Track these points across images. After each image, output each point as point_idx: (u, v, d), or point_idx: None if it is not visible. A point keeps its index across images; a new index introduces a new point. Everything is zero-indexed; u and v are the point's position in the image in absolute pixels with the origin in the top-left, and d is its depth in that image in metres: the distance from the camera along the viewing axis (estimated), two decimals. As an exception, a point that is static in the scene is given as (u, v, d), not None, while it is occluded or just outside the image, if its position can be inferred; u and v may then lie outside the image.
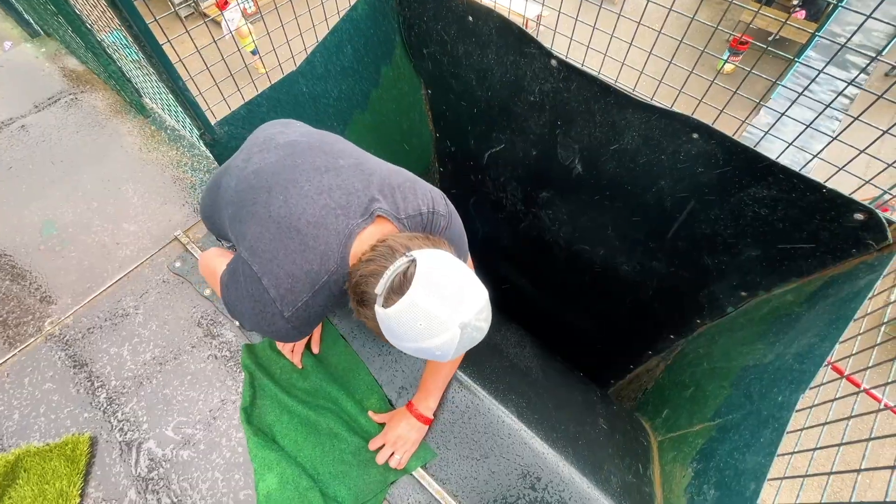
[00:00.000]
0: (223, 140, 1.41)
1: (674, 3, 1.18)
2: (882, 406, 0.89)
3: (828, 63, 1.21)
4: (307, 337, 1.29)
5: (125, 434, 1.25)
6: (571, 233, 2.11)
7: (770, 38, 6.54)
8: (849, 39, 1.11)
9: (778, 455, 0.84)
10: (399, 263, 0.70)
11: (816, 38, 1.29)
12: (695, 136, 1.17)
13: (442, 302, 0.65)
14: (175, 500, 1.15)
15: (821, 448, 0.87)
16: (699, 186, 1.29)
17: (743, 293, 1.59)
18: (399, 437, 1.13)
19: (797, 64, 1.27)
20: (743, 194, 1.20)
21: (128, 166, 1.76)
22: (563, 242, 2.24)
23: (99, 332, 1.40)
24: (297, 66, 1.49)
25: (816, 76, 1.15)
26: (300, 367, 1.28)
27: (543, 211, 2.13)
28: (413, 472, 1.13)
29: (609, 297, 2.32)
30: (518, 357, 1.61)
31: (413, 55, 1.87)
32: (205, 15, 5.90)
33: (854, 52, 1.24)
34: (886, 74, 5.10)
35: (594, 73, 1.25)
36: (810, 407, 0.95)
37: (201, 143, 1.80)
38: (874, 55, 1.04)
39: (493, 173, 2.16)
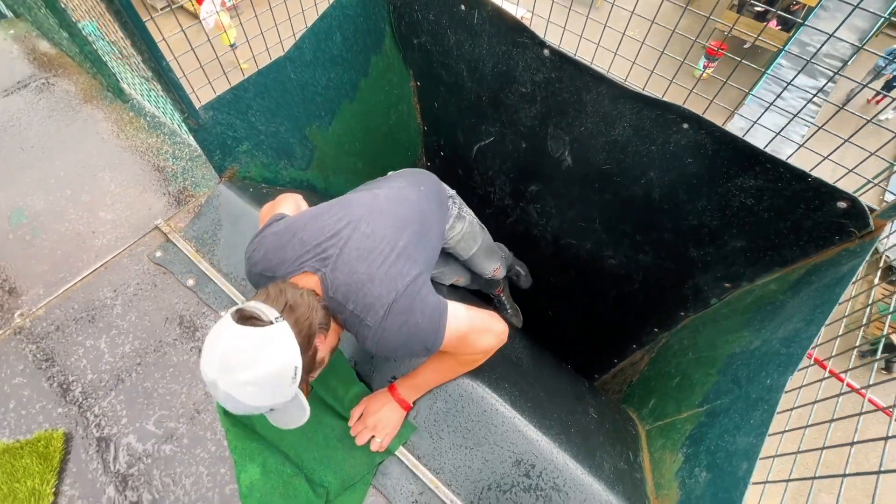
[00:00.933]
0: (208, 125, 1.37)
1: (657, 15, 1.20)
2: (866, 400, 0.91)
3: (798, 73, 1.24)
4: None
5: (102, 429, 1.19)
6: (559, 227, 2.13)
7: (745, 46, 6.74)
8: (814, 55, 1.13)
9: (769, 434, 0.85)
10: (250, 305, 0.79)
11: (785, 49, 1.33)
12: (685, 126, 1.19)
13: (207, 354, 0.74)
14: (157, 496, 1.11)
15: (813, 425, 0.89)
16: (687, 177, 1.31)
17: (727, 284, 1.63)
18: (379, 421, 1.11)
19: (767, 74, 1.31)
20: (730, 184, 1.23)
21: (104, 153, 1.69)
22: (551, 237, 2.26)
23: (74, 324, 1.33)
24: (286, 51, 1.46)
25: (786, 87, 1.16)
26: None
27: (531, 205, 2.14)
28: (406, 463, 1.11)
29: (595, 290, 2.34)
30: (508, 348, 1.61)
31: (403, 45, 1.85)
32: (182, 8, 5.76)
33: (822, 63, 1.29)
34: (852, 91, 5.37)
35: (587, 63, 1.26)
36: (798, 388, 0.97)
37: (183, 130, 1.74)
38: (840, 65, 1.08)
39: (482, 167, 2.16)
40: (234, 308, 0.77)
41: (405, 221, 1.05)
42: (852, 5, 0.94)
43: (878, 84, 6.73)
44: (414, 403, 1.16)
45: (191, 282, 1.40)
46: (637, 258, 1.90)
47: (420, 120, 2.29)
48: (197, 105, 1.33)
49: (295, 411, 0.82)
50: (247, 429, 1.16)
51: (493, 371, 1.26)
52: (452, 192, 1.46)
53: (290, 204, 1.21)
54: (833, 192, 1.04)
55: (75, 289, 1.39)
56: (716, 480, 0.92)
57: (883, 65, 5.65)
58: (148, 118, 1.80)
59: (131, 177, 1.63)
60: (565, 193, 1.83)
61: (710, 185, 1.28)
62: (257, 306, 0.77)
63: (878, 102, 6.81)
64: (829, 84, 1.16)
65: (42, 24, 1.96)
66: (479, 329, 0.99)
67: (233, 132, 1.46)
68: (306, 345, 0.79)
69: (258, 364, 0.72)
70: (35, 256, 1.45)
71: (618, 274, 2.09)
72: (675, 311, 2.00)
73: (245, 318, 0.75)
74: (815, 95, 1.12)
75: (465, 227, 1.46)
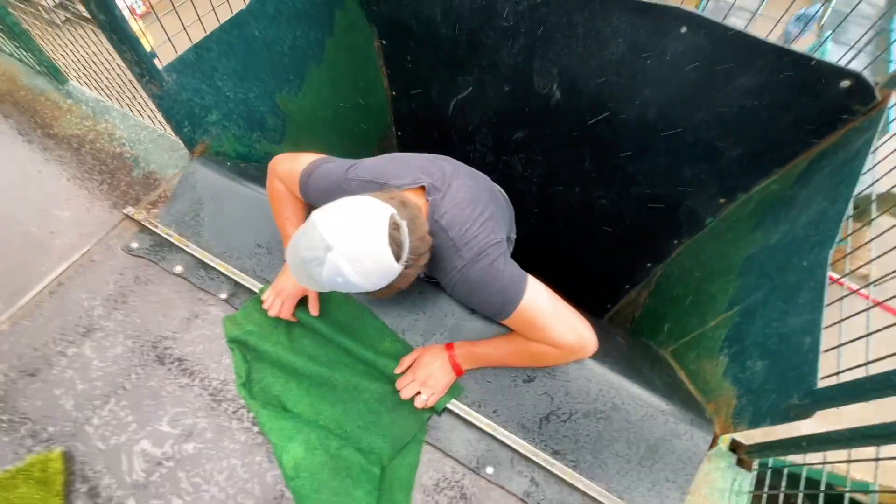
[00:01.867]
0: (172, 91, 1.22)
1: None
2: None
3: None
4: (298, 297, 1.14)
5: (108, 440, 1.05)
6: (546, 175, 2.10)
7: None
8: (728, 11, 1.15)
9: (827, 305, 0.86)
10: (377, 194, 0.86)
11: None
12: (683, 29, 1.17)
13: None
14: (189, 499, 0.99)
15: (875, 306, 0.90)
16: (685, 88, 1.31)
17: (721, 200, 1.67)
18: (430, 376, 1.04)
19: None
20: (730, 87, 1.23)
21: (46, 147, 1.48)
22: (536, 188, 2.23)
23: (48, 333, 1.16)
24: (247, 2, 1.32)
25: None
26: (295, 320, 1.14)
27: (515, 156, 2.10)
28: (458, 412, 1.05)
29: (584, 237, 2.35)
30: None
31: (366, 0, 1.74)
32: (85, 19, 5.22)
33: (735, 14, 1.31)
34: None
35: (577, -23, 1.21)
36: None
37: (134, 112, 1.56)
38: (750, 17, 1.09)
39: (460, 123, 2.09)
40: (364, 195, 0.83)
41: (488, 196, 1.08)
42: None
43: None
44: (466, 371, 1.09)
45: (179, 268, 1.25)
46: (629, 192, 1.91)
47: (387, 84, 2.19)
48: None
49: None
50: (279, 409, 1.05)
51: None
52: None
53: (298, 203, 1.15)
54: (837, 73, 1.05)
55: (43, 296, 1.21)
56: (776, 363, 0.92)
57: (792, 30, 5.13)
58: (91, 103, 1.59)
59: (84, 168, 1.44)
60: (553, 135, 1.80)
61: (709, 94, 1.28)
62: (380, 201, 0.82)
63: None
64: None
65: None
66: (559, 318, 0.95)
67: (200, 99, 1.31)
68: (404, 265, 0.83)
69: (375, 247, 0.76)
70: (-16, 268, 1.25)
71: (609, 214, 2.10)
72: (669, 241, 2.04)
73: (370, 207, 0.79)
74: None
75: None
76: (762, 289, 1.13)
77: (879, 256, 0.97)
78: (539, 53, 1.48)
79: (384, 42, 1.95)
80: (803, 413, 0.83)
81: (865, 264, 1.04)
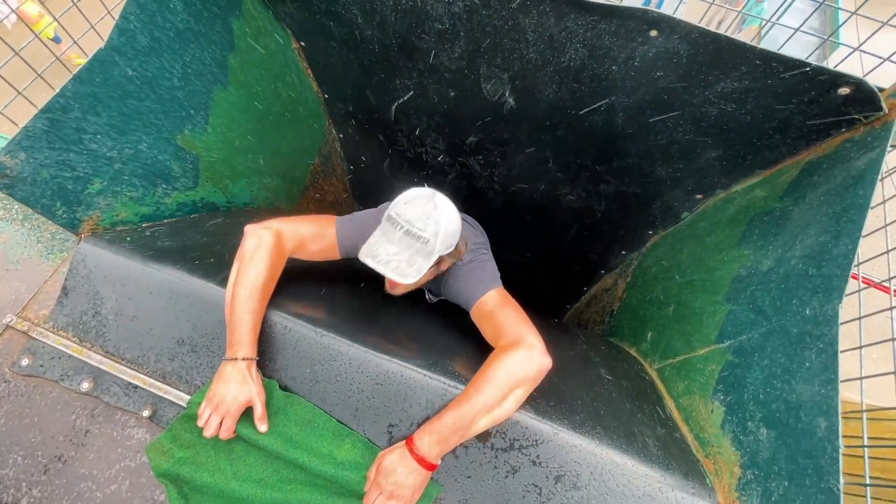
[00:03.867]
0: (26, 174, 0.95)
1: None
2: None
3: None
4: (242, 410, 0.95)
5: None
6: (507, 175, 1.91)
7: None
8: None
9: (843, 381, 0.75)
10: None
11: None
12: (653, 33, 0.97)
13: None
14: None
15: None
16: (656, 93, 1.12)
17: (698, 196, 1.53)
18: (397, 485, 0.89)
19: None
20: (708, 92, 1.06)
21: None
22: (499, 186, 2.05)
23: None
24: (106, 39, 1.02)
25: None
26: (233, 435, 0.96)
27: (472, 158, 1.89)
28: (437, 522, 0.93)
29: (553, 229, 2.21)
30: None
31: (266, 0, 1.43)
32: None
33: None
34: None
35: (520, -24, 0.97)
36: (858, 318, 0.88)
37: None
38: None
39: (406, 128, 1.85)
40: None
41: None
42: None
43: None
44: (442, 460, 0.94)
45: (86, 385, 1.04)
46: (598, 189, 1.76)
47: (317, 87, 1.90)
48: (-5, 150, 0.90)
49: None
50: None
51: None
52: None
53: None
54: (835, 79, 0.89)
55: (-84, 447, 0.99)
56: (786, 440, 0.82)
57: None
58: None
59: (-55, 266, 1.16)
60: (510, 139, 1.60)
61: (684, 98, 1.10)
62: None
63: None
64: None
65: None
66: (521, 316, 1.04)
67: (70, 171, 1.05)
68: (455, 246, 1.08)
69: (455, 222, 1.06)
70: None
71: (578, 208, 1.95)
72: (643, 231, 1.92)
73: None
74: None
75: None
76: (757, 328, 1.01)
77: None
78: (485, 59, 1.25)
79: (303, 44, 1.65)
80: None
81: None
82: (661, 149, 1.33)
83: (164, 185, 1.33)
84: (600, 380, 1.27)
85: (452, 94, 1.47)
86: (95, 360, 1.05)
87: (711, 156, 1.29)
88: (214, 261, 1.16)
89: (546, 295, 2.81)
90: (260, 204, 1.83)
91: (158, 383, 1.03)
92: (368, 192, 2.52)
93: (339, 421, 1.00)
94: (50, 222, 1.21)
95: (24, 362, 1.06)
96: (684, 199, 1.58)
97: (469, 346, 1.20)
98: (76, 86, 1.00)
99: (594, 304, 2.56)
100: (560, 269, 2.62)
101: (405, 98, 1.64)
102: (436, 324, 1.36)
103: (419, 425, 0.96)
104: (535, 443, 0.97)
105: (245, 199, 1.75)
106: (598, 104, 1.24)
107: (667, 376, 1.36)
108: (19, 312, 1.10)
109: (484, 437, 0.98)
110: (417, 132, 1.84)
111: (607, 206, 1.84)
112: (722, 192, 1.44)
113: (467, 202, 2.15)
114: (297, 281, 1.18)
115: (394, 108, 1.73)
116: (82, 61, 1.04)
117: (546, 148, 1.56)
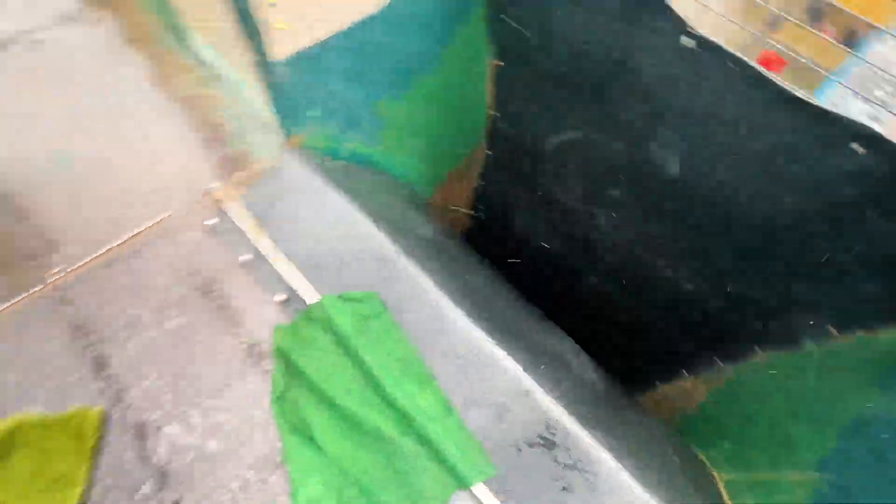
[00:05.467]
0: (286, 84, 1.21)
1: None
2: None
3: None
4: None
5: (142, 413, 1.06)
6: (630, 238, 1.94)
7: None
8: None
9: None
10: None
11: None
12: (854, 146, 0.99)
13: None
14: (200, 501, 0.98)
15: None
16: (835, 207, 1.12)
17: (832, 328, 1.45)
18: None
19: None
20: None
21: (159, 102, 1.53)
22: (612, 244, 2.07)
23: (115, 290, 1.20)
24: (377, 7, 1.28)
25: None
26: None
27: (603, 210, 1.95)
28: (481, 498, 0.97)
29: (650, 304, 2.16)
30: (580, 368, 1.46)
31: (493, 16, 1.65)
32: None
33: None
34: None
35: (745, 59, 1.05)
36: None
37: (246, 85, 1.57)
38: None
39: (556, 163, 1.97)
40: None
41: None
42: None
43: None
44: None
45: (246, 257, 1.25)
46: (720, 284, 1.72)
47: (491, 102, 2.10)
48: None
49: None
50: (305, 436, 1.02)
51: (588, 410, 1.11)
52: None
53: None
54: None
55: (119, 251, 1.25)
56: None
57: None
58: (209, 66, 1.63)
59: (187, 132, 1.48)
60: (656, 205, 1.64)
61: (865, 219, 1.09)
62: None
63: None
64: None
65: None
66: None
67: (308, 94, 1.30)
68: None
69: None
70: (76, 208, 1.31)
71: (687, 296, 1.91)
72: (748, 345, 1.82)
73: None
74: None
75: None
76: (871, 471, 0.95)
77: None
78: (669, 123, 1.33)
79: (501, 63, 1.86)
80: None
81: None
82: (815, 264, 1.30)
83: (352, 132, 1.57)
84: (670, 460, 1.23)
85: (618, 146, 1.57)
86: (261, 243, 1.26)
87: (868, 288, 1.23)
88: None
89: (616, 363, 2.71)
90: (407, 180, 2.05)
91: (299, 274, 1.20)
92: (489, 205, 2.64)
93: (430, 371, 1.10)
94: (267, 128, 1.49)
95: (213, 221, 1.30)
96: (814, 328, 1.49)
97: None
98: (344, 37, 1.26)
99: (662, 402, 2.43)
100: (640, 349, 2.52)
101: (571, 136, 1.77)
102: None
103: None
104: (595, 472, 0.99)
105: (397, 172, 1.97)
106: (769, 200, 1.25)
107: (736, 488, 1.28)
108: (222, 185, 1.36)
109: (550, 444, 1.02)
110: (564, 170, 1.96)
111: (722, 305, 1.78)
112: (863, 333, 1.35)
113: (568, 244, 2.18)
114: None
115: (556, 141, 1.87)
116: (284, 27, 1.28)
117: (687, 224, 1.58)
